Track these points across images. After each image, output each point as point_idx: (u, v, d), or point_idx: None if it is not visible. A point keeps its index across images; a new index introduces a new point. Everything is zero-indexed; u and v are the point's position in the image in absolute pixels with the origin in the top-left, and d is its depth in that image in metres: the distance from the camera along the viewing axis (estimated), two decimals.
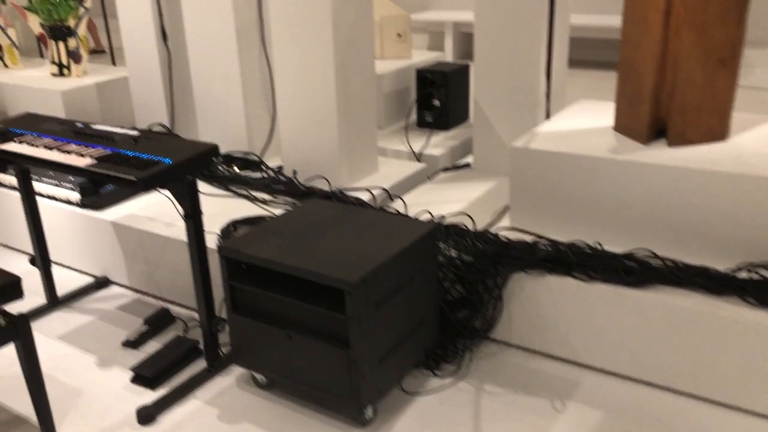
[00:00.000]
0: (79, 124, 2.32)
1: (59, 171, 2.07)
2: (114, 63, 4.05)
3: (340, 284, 1.73)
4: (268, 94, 3.18)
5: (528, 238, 2.25)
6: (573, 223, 2.22)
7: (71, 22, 3.65)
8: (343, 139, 2.76)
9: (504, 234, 2.29)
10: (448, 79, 3.51)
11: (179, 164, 1.92)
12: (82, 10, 3.57)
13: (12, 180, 3.00)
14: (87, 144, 2.11)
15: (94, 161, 1.96)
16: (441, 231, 2.28)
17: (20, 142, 2.16)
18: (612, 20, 6.09)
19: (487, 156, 2.99)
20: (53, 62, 3.78)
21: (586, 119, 2.50)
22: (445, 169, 3.05)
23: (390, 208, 2.59)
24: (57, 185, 2.85)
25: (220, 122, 3.16)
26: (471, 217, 2.44)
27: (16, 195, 2.96)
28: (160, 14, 3.20)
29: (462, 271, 2.20)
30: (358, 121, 2.82)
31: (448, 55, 6.82)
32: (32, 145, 2.13)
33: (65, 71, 3.76)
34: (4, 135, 2.26)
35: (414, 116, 3.79)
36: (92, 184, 2.69)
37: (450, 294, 2.23)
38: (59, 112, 3.50)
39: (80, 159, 1.98)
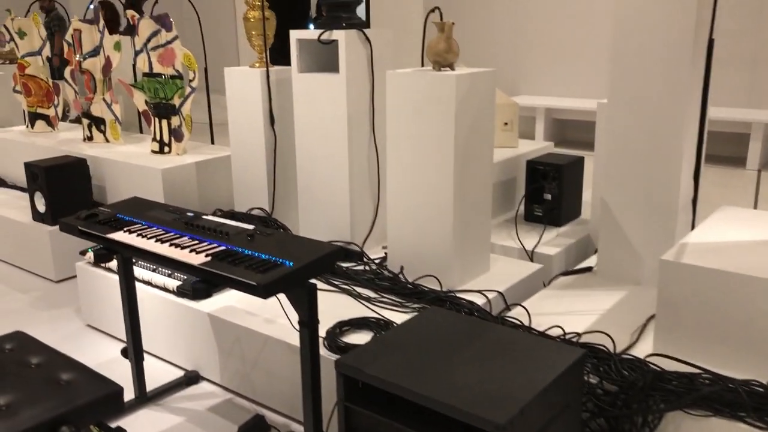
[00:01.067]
0: (189, 214, 2.18)
1: (171, 267, 1.92)
2: (213, 141, 4.00)
3: (485, 425, 1.48)
4: (374, 183, 3.02)
5: (681, 367, 1.95)
6: (735, 354, 1.91)
7: (176, 101, 3.62)
8: (458, 236, 2.55)
9: (652, 360, 2.00)
10: (563, 172, 3.28)
11: (302, 268, 1.73)
12: (188, 89, 3.55)
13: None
14: (200, 238, 1.96)
15: (209, 259, 1.79)
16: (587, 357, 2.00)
17: (130, 232, 2.03)
18: (722, 113, 5.82)
19: (613, 260, 2.71)
20: (155, 139, 3.76)
21: (737, 230, 2.21)
22: (565, 273, 2.79)
23: (512, 318, 2.33)
24: (153, 270, 2.73)
25: (323, 210, 3.01)
26: (611, 337, 2.16)
27: (111, 276, 2.85)
28: (270, 98, 3.13)
29: (605, 402, 1.90)
30: (472, 216, 2.62)
31: (538, 140, 6.63)
32: (143, 236, 2.00)
33: (166, 149, 3.73)
34: (112, 223, 2.14)
35: (521, 209, 3.56)
36: (204, 283, 2.53)
37: (590, 428, 1.93)
38: (158, 190, 3.43)
39: (194, 256, 1.82)
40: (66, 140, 4.22)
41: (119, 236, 2.00)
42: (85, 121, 4.13)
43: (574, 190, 3.42)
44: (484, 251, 2.75)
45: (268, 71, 3.09)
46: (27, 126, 4.60)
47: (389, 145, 2.62)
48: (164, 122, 3.71)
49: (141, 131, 4.64)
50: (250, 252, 1.82)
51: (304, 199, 3.08)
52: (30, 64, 4.41)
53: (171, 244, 1.91)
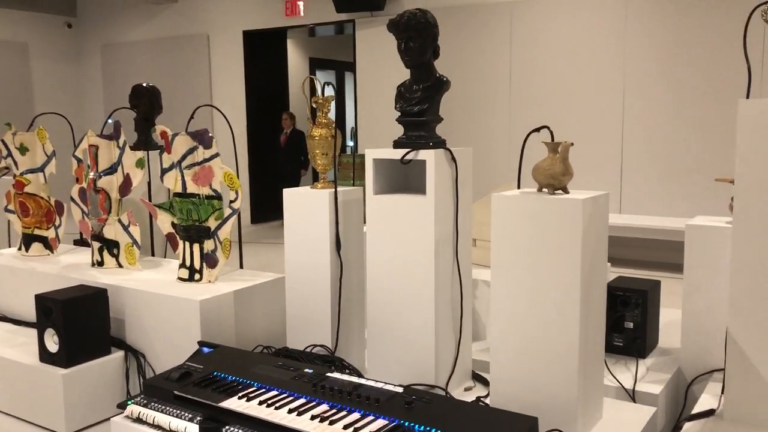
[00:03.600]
0: (308, 370, 1.80)
1: None
2: (242, 264, 3.63)
3: None
4: (457, 316, 2.70)
5: None
6: None
7: (211, 223, 3.27)
8: (582, 379, 2.23)
9: None
10: (647, 299, 3.03)
11: None
12: (228, 210, 3.21)
13: (164, 420, 2.42)
14: (344, 407, 1.58)
15: None
16: None
17: (248, 399, 1.63)
18: None
19: (746, 402, 2.41)
20: (183, 265, 3.36)
21: None
22: (690, 419, 2.47)
23: None
24: None
25: (399, 348, 2.65)
26: None
27: None
28: (337, 221, 2.82)
29: None
30: (592, 355, 2.31)
31: None
32: (269, 404, 1.60)
33: (196, 275, 3.33)
34: (215, 385, 1.74)
35: None
36: None
37: None
38: (194, 325, 3.01)
39: None
40: (71, 266, 3.77)
41: (238, 405, 1.60)
42: (95, 245, 3.71)
43: (654, 317, 3.16)
44: (599, 393, 2.43)
45: (336, 192, 2.80)
46: (20, 249, 4.14)
47: (494, 275, 2.32)
48: (196, 246, 3.33)
49: (153, 254, 4.23)
50: (422, 427, 1.45)
51: (374, 336, 2.72)
52: (30, 181, 4.01)
53: (317, 418, 1.52)
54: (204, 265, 3.33)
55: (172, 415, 2.26)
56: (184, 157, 3.31)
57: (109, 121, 4.03)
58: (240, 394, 1.65)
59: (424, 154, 2.54)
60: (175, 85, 9.86)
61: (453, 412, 1.49)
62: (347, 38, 13.20)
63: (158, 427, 2.43)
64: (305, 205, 2.88)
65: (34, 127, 4.09)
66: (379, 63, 8.17)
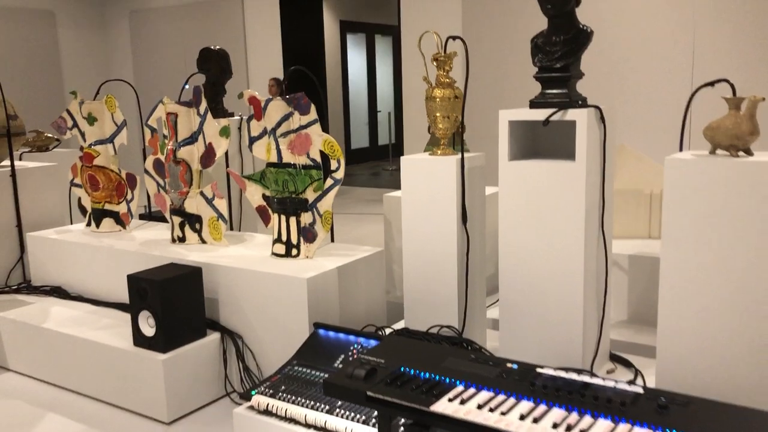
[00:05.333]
0: (511, 365, 1.57)
1: None
2: (333, 238, 3.40)
3: None
4: (601, 291, 2.46)
5: None
6: None
7: (308, 195, 3.04)
8: None
9: None
10: None
11: None
12: (330, 181, 2.97)
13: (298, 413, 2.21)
14: (577, 409, 1.35)
15: None
16: None
17: (462, 402, 1.41)
18: None
19: None
20: (279, 240, 3.13)
21: None
22: None
23: None
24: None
25: (537, 327, 2.42)
26: None
27: (283, 427, 2.18)
28: (463, 191, 2.56)
29: None
30: None
31: None
32: (487, 408, 1.38)
33: (293, 251, 3.10)
34: (410, 384, 1.51)
35: None
36: None
37: None
38: (300, 304, 2.79)
39: None
40: (149, 242, 3.56)
41: (454, 410, 1.37)
42: (176, 219, 3.49)
43: None
44: None
45: (463, 159, 2.55)
46: (88, 224, 3.92)
47: (668, 249, 2.07)
48: (292, 220, 3.10)
49: (231, 228, 4.01)
50: None
51: (508, 315, 2.49)
52: (99, 153, 3.78)
53: (560, 426, 1.29)
54: (301, 239, 3.10)
55: (342, 416, 2.06)
56: (278, 125, 3.06)
57: (186, 86, 3.78)
58: (449, 396, 1.42)
59: (573, 114, 2.27)
60: None
61: (728, 419, 1.27)
62: (379, 0, 12.81)
63: (291, 419, 2.23)
64: (427, 174, 2.62)
65: (101, 95, 3.84)
66: (428, 24, 7.82)
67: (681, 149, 2.31)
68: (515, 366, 1.50)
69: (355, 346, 2.47)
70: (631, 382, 1.69)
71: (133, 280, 2.90)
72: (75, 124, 3.86)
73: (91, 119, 3.76)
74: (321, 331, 2.63)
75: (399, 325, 3.03)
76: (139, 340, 2.92)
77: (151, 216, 4.17)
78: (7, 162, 4.21)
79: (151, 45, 10.33)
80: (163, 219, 4.14)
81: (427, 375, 1.50)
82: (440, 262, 2.62)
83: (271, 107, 3.06)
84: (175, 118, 3.40)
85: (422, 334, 2.61)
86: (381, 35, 13.29)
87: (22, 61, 9.52)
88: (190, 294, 2.96)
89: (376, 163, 12.96)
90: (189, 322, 2.96)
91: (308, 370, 2.44)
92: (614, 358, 2.64)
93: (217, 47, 4.10)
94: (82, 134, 3.83)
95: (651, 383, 2.36)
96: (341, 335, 2.58)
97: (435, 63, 2.57)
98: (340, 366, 2.41)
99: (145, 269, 3.02)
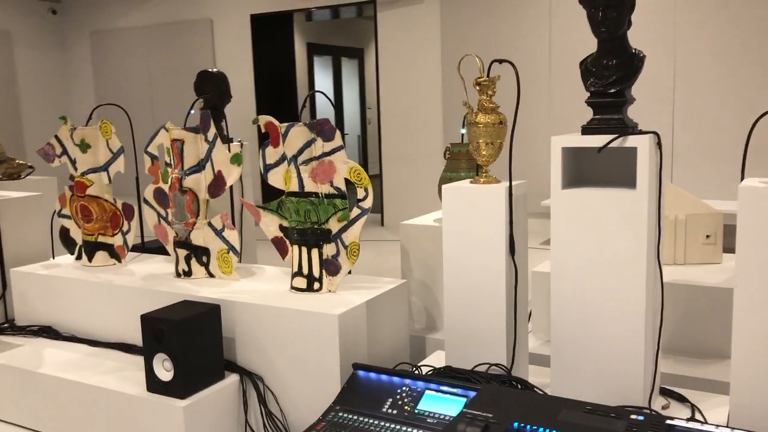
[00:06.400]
0: (637, 417, 1.44)
1: None
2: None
3: None
4: (657, 323, 2.37)
5: None
6: None
7: (332, 225, 2.88)
8: None
9: None
10: None
11: None
12: (357, 210, 2.82)
13: None
14: None
15: None
16: None
17: None
18: None
19: None
20: (299, 274, 2.96)
21: None
22: None
23: None
24: None
25: (593, 364, 2.31)
26: None
27: None
28: (511, 221, 2.45)
29: None
30: None
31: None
32: None
33: (315, 285, 2.93)
34: None
35: None
36: None
37: None
38: (332, 341, 2.62)
39: None
40: (151, 277, 3.33)
41: None
42: (181, 252, 3.27)
43: None
44: None
45: (511, 187, 2.43)
46: (78, 258, 3.67)
47: (743, 279, 2.00)
48: (314, 252, 2.93)
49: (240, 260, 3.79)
50: None
51: (561, 351, 2.37)
52: (93, 182, 3.54)
53: None
54: (324, 272, 2.93)
55: None
56: (300, 152, 2.90)
57: (192, 111, 3.59)
58: None
59: (634, 141, 2.19)
60: (174, 76, 9.31)
61: None
62: (344, 23, 12.75)
63: None
64: (472, 204, 2.50)
65: (93, 121, 3.61)
66: (404, 46, 7.77)
67: (743, 177, 2.25)
68: (641, 417, 1.38)
69: (403, 389, 2.32)
70: (691, 419, 1.58)
71: (148, 321, 2.68)
72: (64, 151, 3.61)
73: (83, 146, 3.52)
74: (361, 373, 2.46)
75: (431, 362, 2.88)
76: (154, 385, 2.69)
77: (144, 248, 3.93)
78: None
79: (113, 67, 10.00)
80: (157, 251, 3.91)
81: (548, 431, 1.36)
82: (486, 296, 2.49)
83: (292, 133, 2.90)
84: (181, 145, 3.20)
85: (468, 372, 2.47)
86: (347, 58, 13.23)
87: None
88: (208, 334, 2.76)
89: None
90: (207, 364, 2.75)
91: (354, 417, 2.27)
92: (664, 392, 2.55)
93: (216, 69, 3.93)
94: (73, 162, 3.58)
95: (711, 418, 2.27)
96: (383, 377, 2.42)
97: (477, 87, 2.46)
98: (391, 411, 2.25)
99: (156, 308, 2.80)
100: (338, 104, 13.08)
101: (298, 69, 10.38)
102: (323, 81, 12.55)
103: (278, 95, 9.29)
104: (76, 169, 3.57)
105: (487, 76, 2.46)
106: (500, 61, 2.38)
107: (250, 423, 2.82)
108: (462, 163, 3.42)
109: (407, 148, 7.87)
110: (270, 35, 9.15)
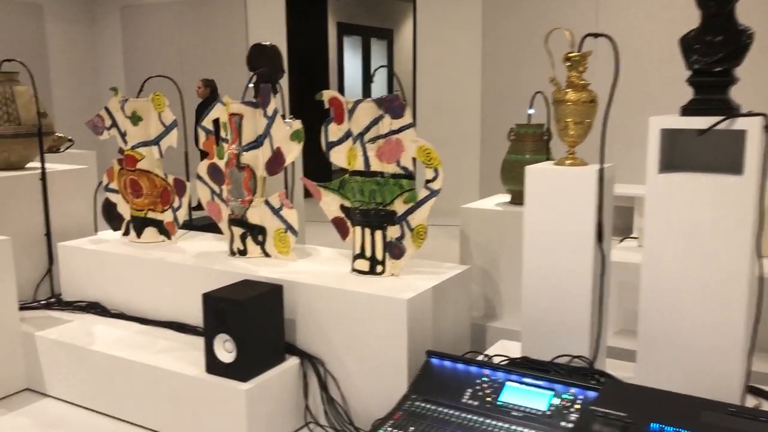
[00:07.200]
0: None
1: None
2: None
3: None
4: (750, 318, 2.24)
5: None
6: None
7: (397, 206, 2.76)
8: None
9: None
10: None
11: None
12: (425, 192, 2.70)
13: None
14: None
15: None
16: None
17: None
18: None
19: None
20: (361, 256, 2.85)
21: None
22: None
23: None
24: None
25: (684, 356, 2.19)
26: None
27: None
28: (600, 206, 2.31)
29: None
30: None
31: None
32: None
33: (378, 267, 2.82)
34: None
35: None
36: None
37: None
38: (399, 326, 2.51)
39: None
40: (203, 254, 3.23)
41: None
42: (236, 230, 3.17)
43: None
44: None
45: (602, 171, 2.30)
46: (125, 234, 3.58)
47: None
48: (377, 234, 2.81)
49: None
50: None
51: (649, 344, 2.25)
52: (144, 156, 3.44)
53: None
54: (387, 255, 2.82)
55: None
56: (367, 129, 2.78)
57: (250, 85, 3.47)
58: None
59: (742, 123, 2.05)
60: (205, 52, 9.20)
61: None
62: (375, 3, 12.56)
63: None
64: (559, 187, 2.37)
65: (144, 93, 3.51)
66: (444, 28, 7.60)
67: None
68: None
69: (483, 379, 2.20)
70: None
71: (211, 300, 2.58)
72: (114, 124, 3.51)
73: (135, 118, 3.42)
74: (435, 361, 2.35)
75: (496, 351, 2.77)
76: (214, 366, 2.60)
77: (192, 225, 3.83)
78: (32, 164, 3.84)
79: (143, 42, 9.91)
80: (204, 228, 3.82)
81: None
82: (571, 285, 2.37)
83: (360, 109, 2.78)
84: (239, 120, 3.08)
85: (548, 364, 2.35)
86: (376, 39, 13.05)
87: (5, 54, 9.03)
88: (271, 315, 2.67)
89: None
90: (269, 347, 2.66)
91: (433, 407, 2.17)
92: (751, 390, 2.42)
93: (269, 43, 3.80)
94: (123, 135, 3.48)
95: None
96: (459, 365, 2.31)
97: (568, 63, 2.32)
98: (471, 402, 2.14)
99: (213, 287, 2.69)
100: (366, 85, 12.92)
101: (329, 49, 10.24)
102: (352, 61, 12.39)
103: (311, 75, 9.16)
104: (125, 143, 3.47)
105: (579, 50, 2.32)
106: (595, 35, 2.23)
107: (310, 408, 2.73)
108: (528, 144, 3.28)
109: (442, 131, 7.72)
110: (304, 13, 9.00)
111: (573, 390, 2.04)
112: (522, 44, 6.95)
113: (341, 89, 11.84)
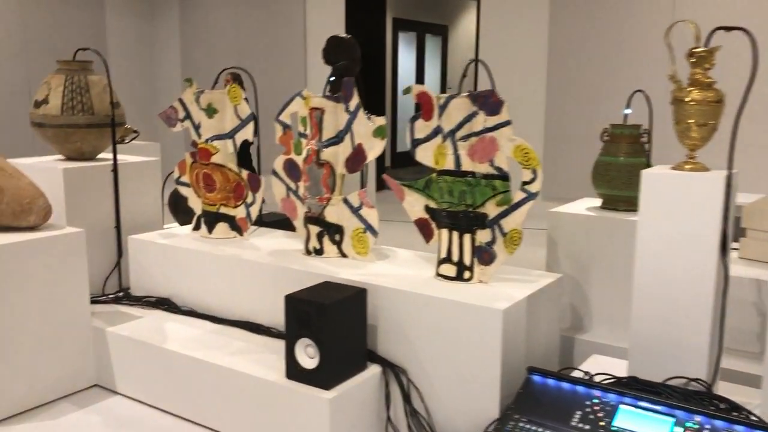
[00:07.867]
0: None
1: None
2: None
3: None
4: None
5: None
6: None
7: (489, 209, 2.60)
8: None
9: None
10: None
11: None
12: (521, 194, 2.53)
13: None
14: None
15: None
16: None
17: None
18: None
19: None
20: (448, 260, 2.70)
21: None
22: None
23: None
24: None
25: None
26: None
27: None
28: (726, 216, 2.11)
29: None
30: None
31: None
32: None
33: (465, 273, 2.67)
34: None
35: None
36: None
37: None
38: (493, 338, 2.36)
39: None
40: (278, 252, 3.12)
41: None
42: (313, 229, 3.05)
43: None
44: None
45: (730, 176, 2.10)
46: (195, 228, 3.49)
47: None
48: (466, 238, 2.66)
49: None
50: None
51: None
52: (218, 149, 3.34)
53: None
54: (476, 261, 2.66)
55: None
56: (459, 126, 2.62)
57: (332, 78, 3.35)
58: None
59: None
60: (263, 47, 9.14)
61: None
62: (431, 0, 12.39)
63: None
64: (679, 194, 2.17)
65: (221, 84, 3.41)
66: (510, 24, 7.39)
67: None
68: None
69: (594, 401, 2.03)
70: None
71: (293, 302, 2.46)
72: (188, 116, 3.42)
73: (210, 111, 3.33)
74: (536, 378, 2.18)
75: (590, 367, 2.58)
76: (295, 372, 2.48)
77: (262, 221, 3.73)
78: (103, 154, 3.79)
79: (201, 35, 9.91)
80: (276, 225, 3.72)
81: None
82: (690, 301, 2.17)
83: (452, 105, 2.62)
84: (320, 115, 2.96)
85: (660, 386, 2.16)
86: (431, 35, 12.87)
87: (67, 45, 9.11)
88: (354, 319, 2.54)
89: (421, 167, 12.51)
90: (351, 353, 2.53)
91: (537, 429, 2.00)
92: None
93: (347, 35, 3.67)
94: (197, 127, 3.39)
95: None
96: (564, 385, 2.14)
97: (693, 59, 2.13)
98: (582, 426, 1.97)
99: (290, 287, 2.57)
100: (419, 82, 12.75)
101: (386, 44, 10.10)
102: (406, 57, 12.23)
103: (367, 70, 9.02)
104: (199, 135, 3.38)
105: (706, 46, 2.12)
106: (728, 29, 2.04)
107: (391, 419, 2.59)
108: (622, 146, 3.09)
109: None
110: (362, 8, 8.88)
111: (698, 418, 1.85)
112: (591, 40, 6.70)
113: (394, 85, 11.70)
